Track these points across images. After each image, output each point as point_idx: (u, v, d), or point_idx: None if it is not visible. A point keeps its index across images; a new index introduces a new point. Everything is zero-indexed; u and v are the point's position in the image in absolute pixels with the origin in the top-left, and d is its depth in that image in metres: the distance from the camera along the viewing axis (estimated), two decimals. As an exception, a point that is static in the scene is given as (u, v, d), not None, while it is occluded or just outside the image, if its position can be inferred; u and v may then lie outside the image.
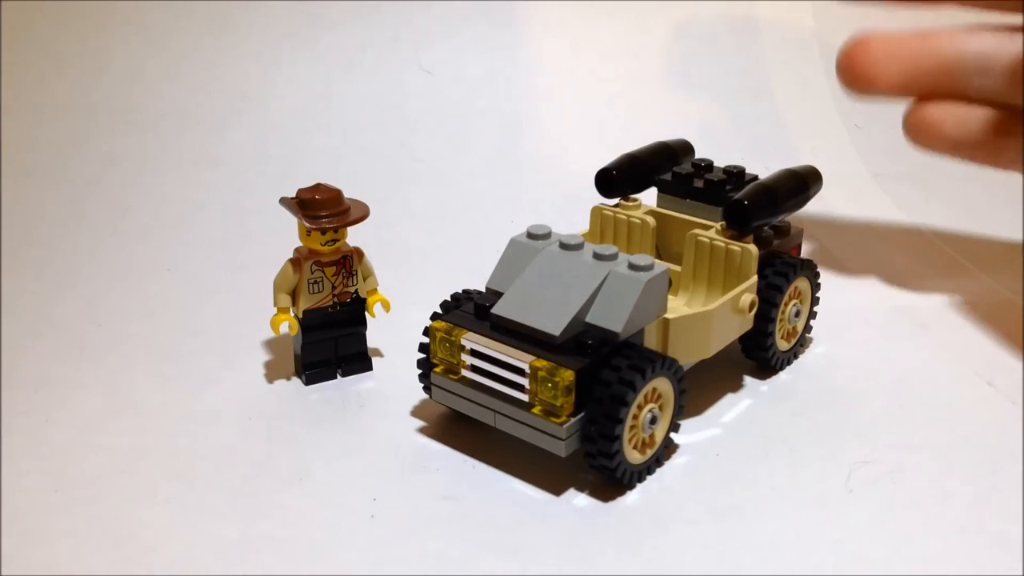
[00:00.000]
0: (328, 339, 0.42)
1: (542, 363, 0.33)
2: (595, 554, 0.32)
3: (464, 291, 0.39)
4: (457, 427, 0.38)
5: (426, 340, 0.38)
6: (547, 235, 0.38)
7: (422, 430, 0.38)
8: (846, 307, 0.48)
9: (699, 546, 0.32)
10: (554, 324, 0.34)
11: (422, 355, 0.38)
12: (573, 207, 0.50)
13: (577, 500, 0.34)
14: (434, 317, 0.38)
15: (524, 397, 0.34)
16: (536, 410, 0.34)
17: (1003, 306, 0.48)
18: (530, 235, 0.38)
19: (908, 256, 0.54)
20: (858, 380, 0.42)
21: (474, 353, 0.35)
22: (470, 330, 0.36)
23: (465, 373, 0.36)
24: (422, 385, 0.38)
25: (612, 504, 0.34)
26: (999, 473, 0.36)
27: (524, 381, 0.34)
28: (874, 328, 0.46)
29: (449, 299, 0.39)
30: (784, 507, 0.34)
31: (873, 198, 0.60)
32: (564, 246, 0.37)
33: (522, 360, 0.34)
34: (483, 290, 0.39)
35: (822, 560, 0.31)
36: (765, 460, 0.36)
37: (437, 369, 0.37)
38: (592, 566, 0.31)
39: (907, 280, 0.51)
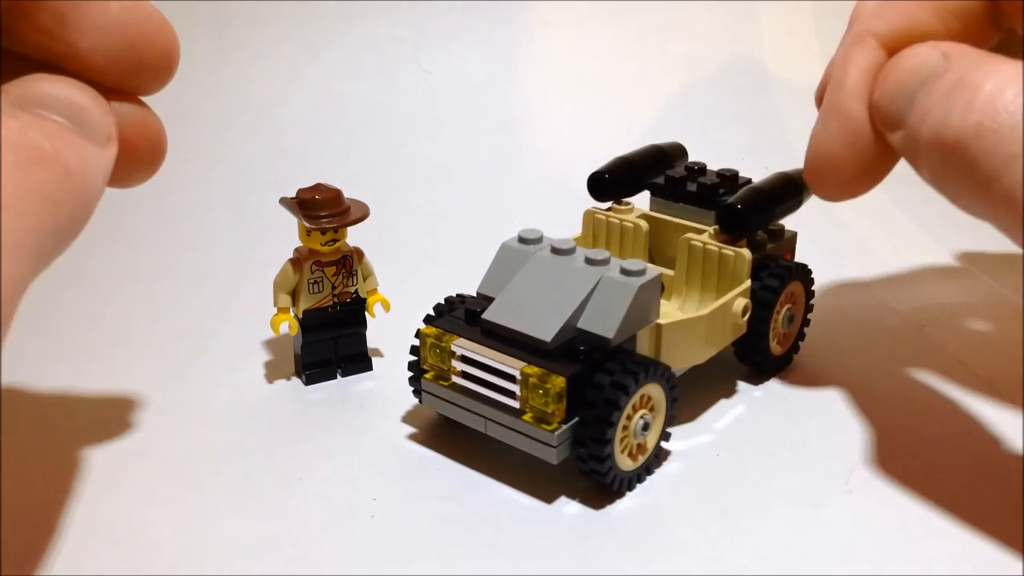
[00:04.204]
0: (328, 339, 0.42)
1: (533, 369, 0.33)
2: (593, 555, 0.32)
3: (458, 295, 0.39)
4: (456, 427, 0.38)
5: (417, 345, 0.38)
6: (538, 239, 0.38)
7: (423, 430, 0.39)
8: (844, 308, 0.48)
9: (694, 550, 0.32)
10: (545, 330, 0.34)
11: (414, 359, 0.38)
12: (572, 209, 0.50)
13: (568, 507, 0.34)
14: (426, 320, 0.38)
15: (515, 404, 0.34)
16: (527, 417, 0.34)
17: (1003, 306, 0.48)
18: (521, 240, 0.38)
19: (907, 256, 0.54)
20: (855, 382, 0.42)
21: (465, 359, 0.35)
22: (460, 336, 0.36)
23: (456, 379, 0.36)
24: (412, 390, 0.38)
25: (603, 511, 0.34)
26: (999, 473, 0.36)
27: (515, 388, 0.34)
28: (872, 329, 0.47)
29: (441, 304, 0.39)
30: (783, 508, 0.34)
31: (872, 198, 0.60)
32: (555, 251, 0.37)
33: (513, 366, 0.34)
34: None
35: (822, 560, 0.32)
36: (761, 464, 0.37)
37: (427, 375, 0.37)
38: (591, 566, 0.32)
39: (906, 280, 0.52)
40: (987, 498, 0.35)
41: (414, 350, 0.38)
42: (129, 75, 0.29)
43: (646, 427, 0.35)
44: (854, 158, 0.31)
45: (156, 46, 0.30)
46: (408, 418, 0.39)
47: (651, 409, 0.35)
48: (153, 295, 0.50)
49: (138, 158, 0.31)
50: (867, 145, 0.31)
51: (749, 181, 0.43)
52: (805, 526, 0.33)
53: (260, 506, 0.34)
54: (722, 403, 0.41)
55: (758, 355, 0.41)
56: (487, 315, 0.36)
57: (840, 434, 0.38)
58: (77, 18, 0.28)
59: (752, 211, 0.40)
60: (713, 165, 0.45)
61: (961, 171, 0.27)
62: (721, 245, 0.40)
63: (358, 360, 0.43)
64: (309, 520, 0.34)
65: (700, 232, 0.42)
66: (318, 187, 0.41)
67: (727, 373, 0.42)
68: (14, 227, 0.23)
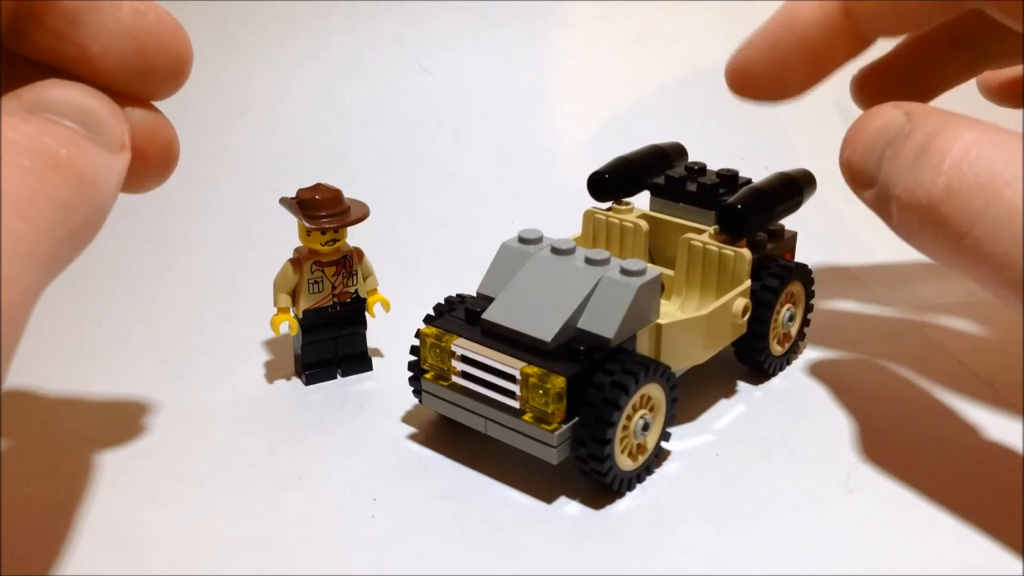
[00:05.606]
0: (328, 339, 0.42)
1: (533, 370, 0.33)
2: (593, 555, 0.32)
3: (458, 295, 0.39)
4: (456, 427, 0.38)
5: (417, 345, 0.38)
6: (538, 240, 0.38)
7: (423, 430, 0.39)
8: (844, 308, 0.48)
9: (694, 550, 0.32)
10: (546, 330, 0.34)
11: (414, 359, 0.38)
12: (572, 209, 0.50)
13: (568, 507, 0.34)
14: (426, 320, 0.38)
15: (515, 404, 0.34)
16: (527, 417, 0.34)
17: (1003, 306, 0.48)
18: (521, 240, 0.38)
19: (907, 256, 0.54)
20: (855, 382, 0.42)
21: (465, 359, 0.35)
22: (460, 336, 0.36)
23: (456, 379, 0.36)
24: (412, 390, 0.38)
25: (603, 511, 0.34)
26: (999, 473, 0.36)
27: (515, 388, 0.34)
28: (872, 329, 0.47)
29: (441, 304, 0.39)
30: (783, 508, 0.34)
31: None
32: (555, 251, 0.37)
33: (513, 366, 0.34)
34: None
35: (822, 560, 0.32)
36: (761, 464, 0.37)
37: (427, 375, 0.37)
38: (591, 567, 0.32)
39: (906, 280, 0.52)
40: (987, 498, 0.35)
41: (414, 350, 0.38)
42: (141, 80, 0.29)
43: (646, 427, 0.35)
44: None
45: (168, 50, 0.29)
46: (408, 418, 0.39)
47: (651, 409, 0.35)
48: (153, 295, 0.50)
49: (150, 164, 0.31)
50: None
51: (749, 181, 0.43)
52: (805, 526, 0.33)
53: (260, 506, 0.34)
54: (722, 403, 0.41)
55: (758, 355, 0.41)
56: (487, 315, 0.36)
57: (840, 434, 0.38)
58: (88, 21, 0.27)
59: (752, 211, 0.40)
60: (713, 165, 0.45)
61: (934, 229, 0.29)
62: (721, 245, 0.40)
63: (358, 360, 0.43)
64: (309, 520, 0.34)
65: (700, 232, 0.42)
66: (318, 187, 0.41)
67: (727, 373, 0.43)
68: (29, 233, 0.23)
